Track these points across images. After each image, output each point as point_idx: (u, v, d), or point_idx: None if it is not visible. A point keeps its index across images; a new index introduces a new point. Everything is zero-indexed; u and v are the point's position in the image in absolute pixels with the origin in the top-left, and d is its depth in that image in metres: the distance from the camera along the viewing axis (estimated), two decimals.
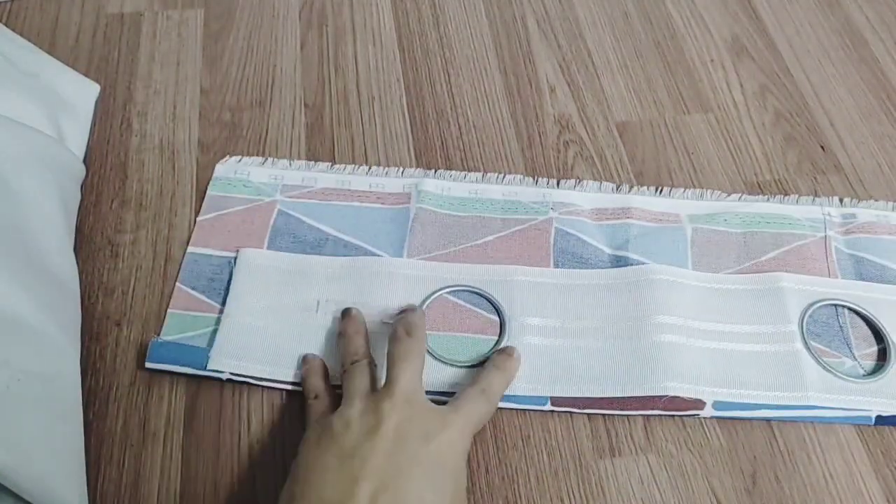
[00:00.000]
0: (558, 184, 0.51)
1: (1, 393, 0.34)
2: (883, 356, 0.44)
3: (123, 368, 0.43)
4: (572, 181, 0.51)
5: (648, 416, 0.42)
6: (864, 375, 0.43)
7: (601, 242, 0.48)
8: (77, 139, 0.51)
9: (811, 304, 0.45)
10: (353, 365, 0.41)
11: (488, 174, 0.52)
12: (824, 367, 0.43)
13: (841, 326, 0.45)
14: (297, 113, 0.55)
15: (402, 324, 0.41)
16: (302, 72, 0.58)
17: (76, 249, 0.46)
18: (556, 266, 0.47)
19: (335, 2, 0.62)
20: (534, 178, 0.51)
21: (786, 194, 0.52)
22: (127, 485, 0.40)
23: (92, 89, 0.55)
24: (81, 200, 0.49)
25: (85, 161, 0.51)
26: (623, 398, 0.42)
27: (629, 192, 0.51)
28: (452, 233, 0.49)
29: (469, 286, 0.46)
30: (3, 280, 0.37)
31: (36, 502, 0.34)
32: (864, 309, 0.45)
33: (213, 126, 0.54)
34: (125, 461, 0.40)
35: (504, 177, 0.51)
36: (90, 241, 0.48)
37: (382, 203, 0.50)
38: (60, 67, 0.54)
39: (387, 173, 0.51)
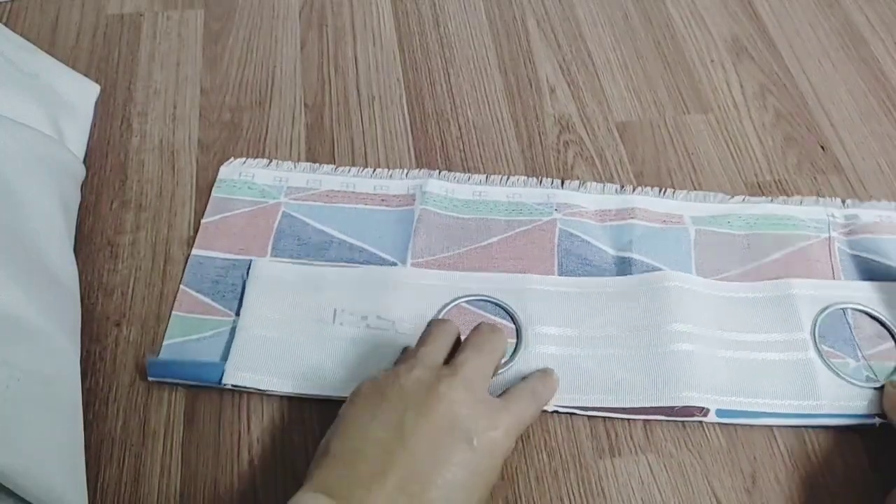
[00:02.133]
0: (562, 185, 0.51)
1: (1, 393, 0.34)
2: (893, 355, 0.44)
3: (123, 369, 0.43)
4: (576, 182, 0.51)
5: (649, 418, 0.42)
6: (874, 379, 0.43)
7: (605, 244, 0.48)
8: (77, 139, 0.51)
9: (822, 310, 0.45)
10: (440, 323, 0.41)
11: (492, 176, 0.51)
12: (837, 374, 0.42)
13: (847, 326, 0.45)
14: (297, 113, 0.55)
15: (488, 324, 0.41)
16: (302, 72, 0.58)
17: (76, 250, 0.46)
18: (561, 267, 0.47)
19: (335, 2, 0.62)
20: (538, 180, 0.51)
21: (787, 195, 0.51)
22: (127, 484, 0.39)
23: (92, 89, 0.55)
24: (81, 201, 0.49)
25: (85, 161, 0.51)
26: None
27: (633, 192, 0.51)
28: (456, 235, 0.48)
29: (485, 296, 0.45)
30: (3, 280, 0.37)
31: (36, 502, 0.34)
32: (874, 310, 0.45)
33: (213, 126, 0.54)
34: (125, 461, 0.40)
35: (508, 178, 0.51)
36: (90, 241, 0.48)
37: (387, 205, 0.50)
38: (60, 67, 0.54)
39: (391, 175, 0.51)
